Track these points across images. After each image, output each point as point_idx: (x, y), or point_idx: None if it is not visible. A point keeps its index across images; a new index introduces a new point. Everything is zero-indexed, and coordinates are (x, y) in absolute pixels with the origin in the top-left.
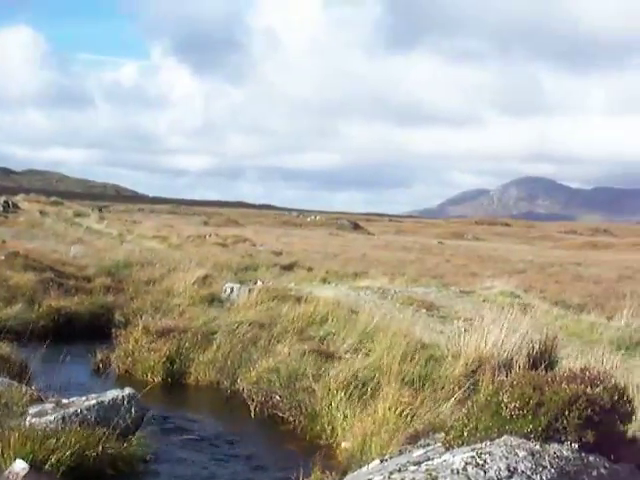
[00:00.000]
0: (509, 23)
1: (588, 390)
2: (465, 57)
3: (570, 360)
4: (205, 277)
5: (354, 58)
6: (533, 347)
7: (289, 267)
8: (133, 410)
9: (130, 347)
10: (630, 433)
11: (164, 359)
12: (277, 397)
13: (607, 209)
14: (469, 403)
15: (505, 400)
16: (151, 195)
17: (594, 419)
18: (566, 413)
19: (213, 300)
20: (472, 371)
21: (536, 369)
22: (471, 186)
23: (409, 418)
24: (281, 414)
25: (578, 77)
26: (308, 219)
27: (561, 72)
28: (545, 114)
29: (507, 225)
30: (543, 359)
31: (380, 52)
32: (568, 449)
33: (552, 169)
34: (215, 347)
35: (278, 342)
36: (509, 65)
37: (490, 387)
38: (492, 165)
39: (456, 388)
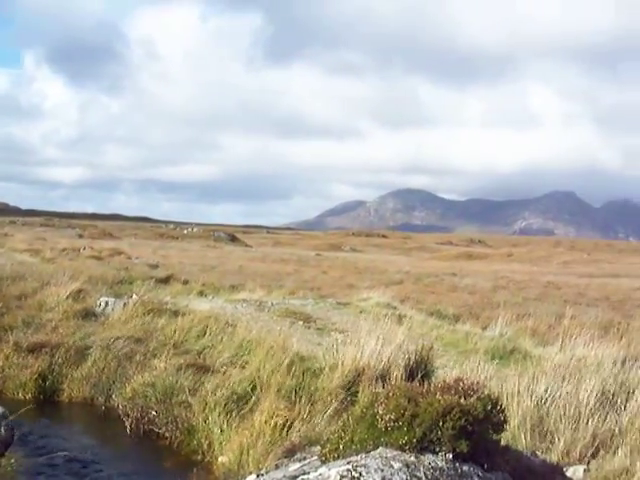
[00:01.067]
0: (389, 37)
1: (462, 400)
2: (346, 70)
3: (446, 370)
4: (79, 291)
5: (233, 70)
6: (409, 358)
7: (165, 280)
8: (2, 430)
9: (0, 364)
10: (503, 442)
11: (36, 376)
12: (153, 412)
13: (482, 220)
14: (345, 416)
15: (380, 412)
16: (24, 207)
17: (468, 429)
18: (440, 424)
19: (87, 314)
20: (349, 383)
21: (413, 379)
22: (350, 198)
23: (286, 431)
24: (157, 430)
25: (455, 90)
26: (185, 231)
27: (439, 85)
28: (423, 127)
29: (384, 237)
30: (419, 369)
31: (260, 64)
32: (442, 459)
33: (429, 181)
34: (89, 363)
35: (154, 357)
36: (389, 78)
37: (366, 399)
38: (371, 177)
39: (333, 400)
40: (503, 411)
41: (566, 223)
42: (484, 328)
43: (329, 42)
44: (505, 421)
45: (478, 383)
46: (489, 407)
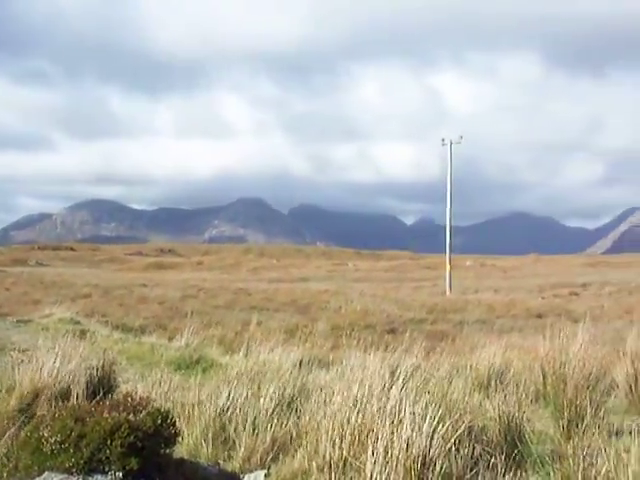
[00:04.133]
0: (81, 45)
1: (131, 417)
2: (34, 78)
3: (130, 384)
4: None
5: None
6: (91, 374)
7: None
8: None
9: None
10: (186, 454)
11: None
12: None
13: (175, 229)
14: (8, 442)
15: (46, 435)
16: None
17: (138, 445)
18: (109, 442)
19: None
20: (27, 405)
21: (96, 396)
22: (36, 210)
23: None
24: None
25: (149, 100)
26: None
27: (133, 94)
28: (116, 137)
29: (72, 249)
30: (102, 385)
31: None
32: (112, 478)
33: (121, 191)
34: None
35: None
36: (80, 87)
37: (32, 424)
38: (60, 189)
39: (10, 425)
40: (174, 424)
41: (256, 229)
42: (171, 339)
43: (15, 48)
44: (177, 434)
45: (148, 398)
46: (159, 421)
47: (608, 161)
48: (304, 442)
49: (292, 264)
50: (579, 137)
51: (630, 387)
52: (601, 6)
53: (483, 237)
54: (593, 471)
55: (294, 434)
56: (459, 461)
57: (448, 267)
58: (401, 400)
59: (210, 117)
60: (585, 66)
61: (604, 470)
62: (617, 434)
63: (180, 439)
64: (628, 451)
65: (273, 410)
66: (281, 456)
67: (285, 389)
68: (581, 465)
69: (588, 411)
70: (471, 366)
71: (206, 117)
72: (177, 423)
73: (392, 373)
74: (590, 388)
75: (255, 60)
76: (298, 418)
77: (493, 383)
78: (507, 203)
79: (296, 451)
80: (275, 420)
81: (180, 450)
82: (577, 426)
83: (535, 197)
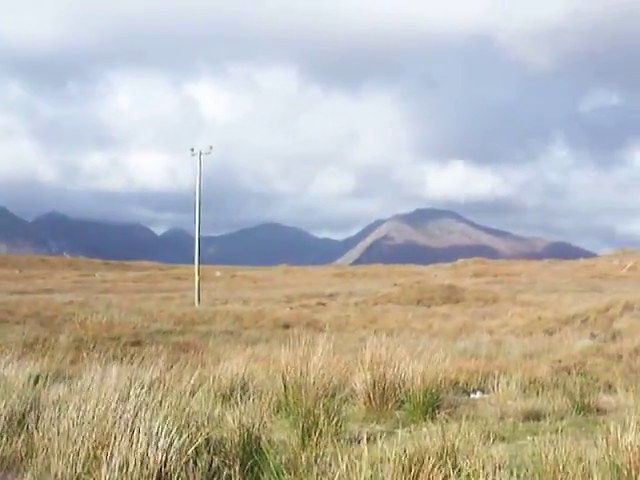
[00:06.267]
0: None
1: None
2: None
3: None
4: None
5: None
6: None
7: None
8: None
9: None
10: None
11: None
12: None
13: None
14: None
15: None
16: None
17: None
18: None
19: None
20: None
21: None
22: None
23: None
24: None
25: None
26: None
27: None
28: None
29: None
30: None
31: None
32: None
33: None
34: None
35: None
36: None
37: None
38: None
39: None
40: None
41: None
42: None
43: None
44: None
45: None
46: None
47: (358, 174)
48: (35, 461)
49: (36, 275)
50: (332, 150)
51: (368, 395)
52: (358, 25)
53: (236, 247)
54: (325, 479)
55: (24, 453)
56: (197, 474)
57: (197, 278)
58: (137, 414)
59: None
60: (340, 82)
61: (337, 477)
62: (354, 441)
63: None
64: (361, 457)
65: (2, 429)
66: (10, 477)
67: (15, 406)
68: (314, 473)
69: (323, 419)
70: (214, 377)
71: None
72: None
73: (131, 386)
74: (328, 397)
75: (4, 65)
76: (29, 436)
77: (236, 394)
78: (260, 213)
79: (26, 471)
80: (4, 439)
81: None
82: (314, 435)
83: (287, 208)
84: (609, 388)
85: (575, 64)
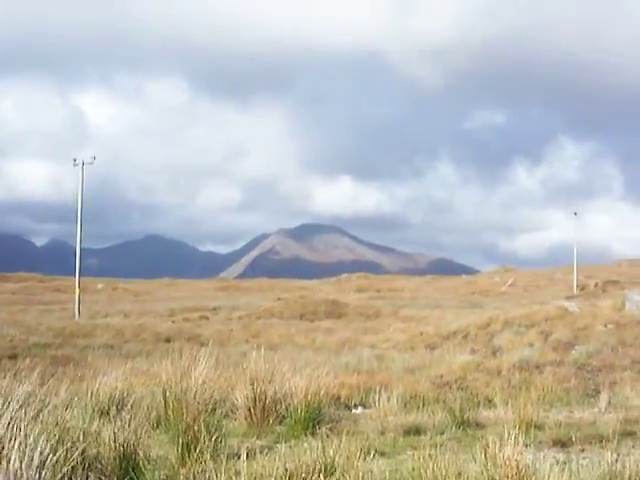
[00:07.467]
0: None
1: None
2: None
3: None
4: None
5: None
6: None
7: None
8: None
9: None
10: None
11: None
12: None
13: None
14: None
15: None
16: None
17: None
18: None
19: None
20: None
21: None
22: None
23: None
24: None
25: None
26: None
27: None
28: None
29: None
30: None
31: None
32: None
33: None
34: None
35: None
36: None
37: None
38: None
39: None
40: None
41: None
42: None
43: None
44: None
45: None
46: None
47: (245, 188)
48: None
49: None
50: (219, 163)
51: (249, 410)
52: (250, 37)
53: (119, 259)
54: None
55: None
56: None
57: (77, 290)
58: (11, 430)
59: None
60: (229, 95)
61: None
62: (235, 457)
63: None
64: (239, 473)
65: None
66: None
67: None
68: None
69: (203, 435)
70: (93, 392)
71: None
72: None
73: (4, 401)
74: (209, 412)
75: None
76: None
77: (114, 409)
78: (145, 225)
79: None
80: None
81: None
82: (194, 450)
83: (172, 220)
84: (489, 403)
85: (463, 81)
